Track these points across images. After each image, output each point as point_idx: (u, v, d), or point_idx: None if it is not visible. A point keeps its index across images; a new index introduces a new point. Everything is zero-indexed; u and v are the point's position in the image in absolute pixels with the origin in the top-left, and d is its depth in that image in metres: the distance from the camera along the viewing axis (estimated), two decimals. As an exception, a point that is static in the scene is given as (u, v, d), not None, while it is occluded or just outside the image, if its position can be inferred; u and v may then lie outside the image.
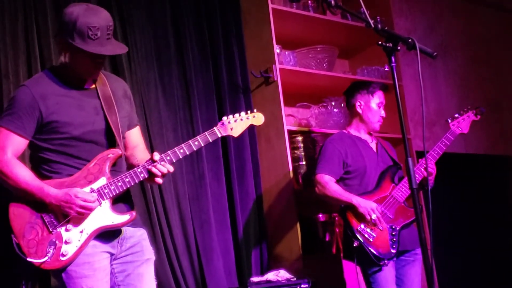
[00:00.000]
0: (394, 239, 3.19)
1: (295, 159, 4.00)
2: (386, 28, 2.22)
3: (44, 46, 3.35)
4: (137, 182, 2.34)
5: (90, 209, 2.25)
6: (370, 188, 3.32)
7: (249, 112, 2.55)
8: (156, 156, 2.34)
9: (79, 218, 2.25)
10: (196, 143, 2.40)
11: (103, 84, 2.44)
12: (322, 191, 3.32)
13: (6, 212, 2.27)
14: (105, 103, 2.39)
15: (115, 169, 2.38)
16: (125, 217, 2.33)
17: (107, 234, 2.32)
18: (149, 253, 2.44)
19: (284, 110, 3.95)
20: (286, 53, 4.20)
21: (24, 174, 2.27)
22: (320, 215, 3.93)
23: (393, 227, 3.22)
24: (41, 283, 3.01)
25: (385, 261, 3.13)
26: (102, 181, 2.31)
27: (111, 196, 2.30)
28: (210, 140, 2.43)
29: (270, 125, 3.88)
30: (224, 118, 2.50)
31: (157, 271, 3.40)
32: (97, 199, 2.28)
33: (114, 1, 3.71)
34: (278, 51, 4.05)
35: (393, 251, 3.16)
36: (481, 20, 5.72)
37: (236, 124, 2.50)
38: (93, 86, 2.42)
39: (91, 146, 2.34)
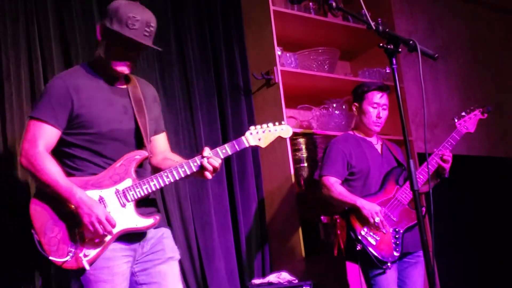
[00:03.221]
0: (398, 242, 3.18)
1: (297, 161, 3.99)
2: (387, 30, 2.22)
3: (45, 48, 3.35)
4: (158, 188, 2.31)
5: (104, 230, 2.19)
6: (373, 190, 3.31)
7: (277, 123, 2.55)
8: (206, 151, 2.33)
9: (91, 233, 2.19)
10: (224, 151, 2.40)
11: (134, 86, 2.45)
12: (328, 193, 3.32)
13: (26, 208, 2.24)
14: (135, 104, 2.39)
15: (140, 171, 2.36)
16: (149, 221, 2.31)
17: (129, 237, 2.30)
18: (172, 252, 2.41)
19: (286, 112, 3.94)
20: (287, 55, 4.20)
21: (54, 171, 2.22)
22: (322, 217, 3.92)
23: (397, 230, 3.21)
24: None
25: (388, 264, 3.12)
26: (127, 183, 2.29)
27: (136, 198, 2.28)
28: (238, 149, 2.43)
29: (271, 127, 3.87)
30: (252, 128, 2.50)
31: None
32: (119, 201, 2.25)
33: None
34: (279, 53, 4.05)
35: (396, 254, 3.16)
36: (482, 21, 5.72)
37: (264, 135, 2.50)
38: (125, 86, 2.43)
39: (118, 145, 2.33)
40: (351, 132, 3.52)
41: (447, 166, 3.27)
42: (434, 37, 5.30)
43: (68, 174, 2.26)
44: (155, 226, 2.35)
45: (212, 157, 2.34)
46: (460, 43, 5.52)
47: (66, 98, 2.28)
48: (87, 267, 2.18)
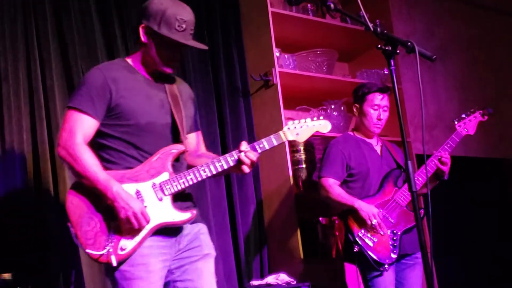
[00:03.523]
0: (395, 244, 3.17)
1: (295, 163, 3.99)
2: (385, 31, 2.22)
3: (44, 49, 3.35)
4: (195, 182, 2.29)
5: (139, 224, 2.16)
6: (372, 191, 3.31)
7: (315, 118, 2.54)
8: (244, 145, 2.33)
9: (125, 227, 2.18)
10: (261, 145, 2.38)
11: (170, 83, 2.45)
12: (326, 195, 3.31)
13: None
14: (171, 99, 2.39)
15: (177, 165, 2.34)
16: (186, 215, 2.29)
17: (166, 232, 2.27)
18: (208, 248, 2.40)
19: (284, 113, 3.95)
20: (286, 56, 4.20)
21: (92, 163, 2.20)
22: (320, 218, 3.92)
23: (395, 232, 3.20)
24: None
25: (386, 266, 3.12)
26: (164, 176, 2.27)
27: (172, 192, 2.26)
28: (275, 143, 2.41)
29: (269, 128, 3.88)
30: (290, 122, 2.49)
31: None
32: (155, 195, 2.24)
33: (114, 5, 3.71)
34: (277, 54, 4.05)
35: (393, 256, 3.15)
36: (480, 23, 5.72)
37: (302, 130, 2.49)
38: (162, 81, 2.42)
39: (154, 138, 2.31)
40: (351, 133, 3.52)
41: (445, 168, 3.26)
42: (433, 38, 5.30)
43: (104, 168, 2.24)
44: (192, 221, 2.33)
45: (250, 151, 2.32)
46: (458, 45, 5.53)
47: (105, 88, 2.27)
48: (114, 263, 2.15)
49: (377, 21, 4.52)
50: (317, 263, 3.86)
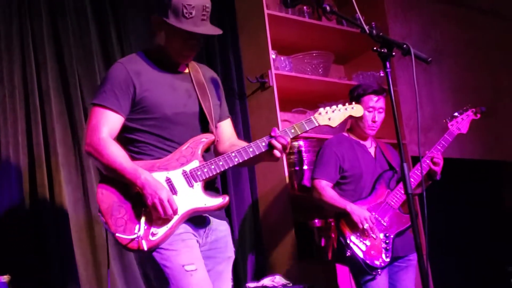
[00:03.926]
0: (388, 248, 3.15)
1: (291, 165, 3.99)
2: (381, 33, 2.22)
3: (39, 51, 3.35)
4: (226, 168, 2.26)
5: (165, 212, 2.12)
6: (364, 194, 3.29)
7: (347, 104, 2.52)
8: (275, 131, 2.30)
9: (153, 214, 2.14)
10: (293, 130, 2.35)
11: (196, 71, 2.41)
12: (318, 197, 3.30)
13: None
14: (198, 88, 2.35)
15: (207, 155, 2.31)
16: (218, 200, 2.26)
17: (196, 221, 2.25)
18: (231, 251, 2.39)
19: (280, 116, 3.95)
20: (282, 58, 4.21)
21: (118, 154, 2.18)
22: (316, 220, 3.92)
23: (387, 235, 3.18)
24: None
25: (379, 270, 3.10)
26: (194, 164, 2.25)
27: (203, 178, 2.24)
28: (307, 129, 2.39)
29: (265, 130, 3.86)
30: (321, 109, 2.46)
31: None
32: (186, 182, 2.20)
33: (110, 6, 3.71)
34: (273, 56, 4.05)
35: (386, 259, 3.13)
36: (476, 26, 5.74)
37: (334, 114, 2.46)
38: (187, 70, 2.39)
39: (183, 129, 2.29)
40: (345, 134, 3.50)
41: (437, 169, 3.24)
42: (428, 41, 5.32)
43: (134, 159, 2.22)
44: (218, 215, 2.31)
45: (281, 135, 2.29)
46: (454, 47, 5.54)
47: (128, 83, 2.24)
48: (145, 247, 2.11)
49: (373, 23, 4.52)
50: (313, 265, 3.86)
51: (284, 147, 2.30)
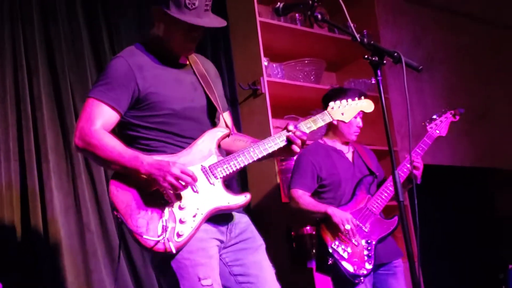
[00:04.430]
0: (370, 254, 3.11)
1: (283, 171, 3.99)
2: (372, 42, 2.23)
3: (31, 56, 3.33)
4: (246, 164, 2.17)
5: (186, 183, 2.01)
6: (344, 200, 3.25)
7: (356, 98, 2.48)
8: (291, 126, 2.23)
9: (191, 195, 2.04)
10: (309, 125, 2.30)
11: (195, 63, 2.32)
12: (296, 206, 3.26)
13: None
14: (202, 80, 2.27)
15: (219, 150, 2.22)
16: (241, 198, 2.17)
17: (218, 219, 2.14)
18: (260, 239, 2.29)
19: (272, 122, 3.95)
20: (274, 65, 4.22)
21: (114, 144, 2.05)
22: (308, 227, 3.92)
23: (369, 241, 3.14)
24: None
25: (361, 278, 3.06)
26: (212, 159, 2.15)
27: (224, 175, 2.14)
28: (322, 124, 2.33)
29: (257, 137, 3.86)
30: (331, 103, 2.41)
31: (143, 279, 3.40)
32: (206, 177, 2.10)
33: (102, 14, 3.71)
34: (266, 63, 4.07)
35: (369, 267, 3.09)
36: (467, 32, 5.77)
37: (346, 109, 2.41)
38: (187, 62, 2.29)
39: (193, 123, 2.19)
40: (321, 141, 3.44)
41: (418, 172, 3.18)
42: (419, 48, 5.34)
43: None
44: (239, 209, 2.22)
45: (301, 130, 2.24)
46: (445, 55, 5.57)
47: (129, 78, 2.11)
48: (173, 250, 1.99)
49: (365, 31, 4.55)
50: (306, 272, 3.85)
51: (303, 143, 2.24)
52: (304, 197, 3.25)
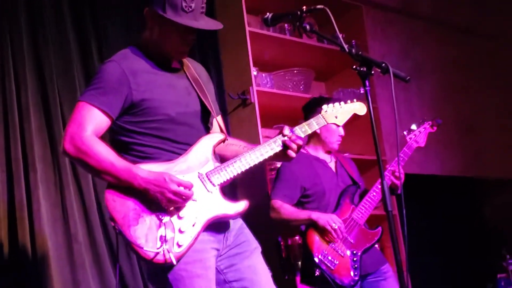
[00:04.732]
0: (356, 266, 3.10)
1: (272, 181, 3.99)
2: (360, 52, 2.25)
3: (19, 65, 3.30)
4: (243, 171, 2.14)
5: (185, 197, 1.99)
6: (329, 211, 3.24)
7: (349, 101, 2.47)
8: (286, 130, 2.22)
9: (189, 204, 2.01)
10: (303, 129, 2.30)
11: (187, 67, 2.28)
12: (277, 216, 3.24)
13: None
14: (196, 85, 2.23)
15: (215, 155, 2.19)
16: (240, 206, 2.14)
17: (215, 228, 2.11)
18: (255, 242, 2.26)
19: (261, 132, 3.95)
20: (263, 75, 4.23)
21: (107, 153, 1.99)
22: (297, 237, 3.91)
23: (355, 252, 3.14)
24: None
25: None
26: (209, 166, 2.11)
27: (221, 182, 2.11)
28: (317, 127, 2.33)
29: (247, 147, 3.88)
30: (324, 106, 2.40)
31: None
32: (203, 185, 2.07)
33: (90, 20, 3.70)
34: (255, 73, 4.07)
35: (355, 278, 3.08)
36: (454, 44, 5.83)
37: (339, 112, 2.41)
38: (180, 67, 2.26)
39: (188, 129, 2.16)
40: (303, 151, 3.42)
41: (398, 182, 3.16)
42: (407, 58, 5.38)
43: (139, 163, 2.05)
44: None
45: (297, 135, 2.22)
46: (432, 65, 5.61)
47: (122, 82, 2.06)
48: (174, 261, 1.96)
49: (353, 41, 4.58)
50: (296, 283, 3.84)
51: (299, 147, 2.22)
52: (284, 207, 3.23)
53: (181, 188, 2.00)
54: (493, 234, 5.61)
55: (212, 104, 2.28)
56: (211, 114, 2.26)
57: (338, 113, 2.41)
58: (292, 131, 2.25)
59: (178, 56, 2.24)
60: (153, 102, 2.11)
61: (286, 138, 2.21)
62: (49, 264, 3.10)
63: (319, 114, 2.38)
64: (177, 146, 2.13)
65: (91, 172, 2.10)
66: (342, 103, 2.45)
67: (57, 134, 3.33)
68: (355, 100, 2.51)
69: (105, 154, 2.01)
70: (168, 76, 2.20)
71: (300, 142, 2.22)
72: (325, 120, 2.37)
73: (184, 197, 2.00)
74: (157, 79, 2.16)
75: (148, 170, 2.01)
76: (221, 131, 2.29)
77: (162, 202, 2.00)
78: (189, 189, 2.02)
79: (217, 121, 2.33)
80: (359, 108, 2.49)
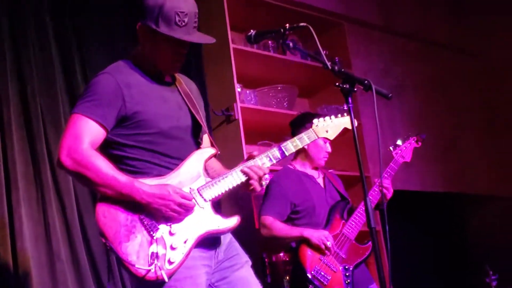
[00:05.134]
0: (348, 281, 3.10)
1: (258, 197, 3.98)
2: (343, 69, 2.27)
3: (2, 83, 3.27)
4: (235, 185, 2.14)
5: (189, 208, 2.01)
6: (320, 227, 3.24)
7: (339, 115, 2.48)
8: (255, 152, 2.21)
9: (181, 220, 2.01)
10: (295, 143, 2.29)
11: (179, 82, 2.29)
12: (269, 233, 3.23)
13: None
14: (187, 100, 2.23)
15: (207, 170, 2.18)
16: (232, 221, 2.13)
17: (207, 244, 2.10)
18: (245, 256, 2.26)
19: (245, 148, 3.96)
20: (247, 91, 4.25)
21: (107, 167, 1.98)
22: (282, 254, 3.90)
23: (347, 267, 3.15)
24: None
25: None
26: (200, 181, 2.11)
27: (212, 197, 2.11)
28: (308, 141, 2.33)
29: (231, 163, 3.86)
30: (315, 120, 2.42)
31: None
32: (195, 200, 2.06)
33: (74, 39, 3.69)
34: (239, 89, 4.09)
35: None
36: (436, 61, 5.89)
37: (330, 127, 2.42)
38: (172, 81, 2.26)
39: (179, 143, 2.15)
40: (291, 166, 3.43)
41: (388, 195, 3.20)
42: (390, 75, 5.42)
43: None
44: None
45: (257, 166, 2.18)
46: (414, 82, 5.66)
47: (117, 94, 2.06)
48: (166, 278, 1.95)
49: (336, 58, 4.62)
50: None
51: (260, 178, 2.19)
52: (275, 223, 3.23)
53: (185, 200, 2.02)
54: (476, 250, 5.64)
55: (205, 120, 2.30)
56: (202, 129, 2.27)
57: (328, 127, 2.43)
58: (279, 147, 2.25)
59: (170, 70, 2.25)
60: (145, 115, 2.11)
61: (245, 167, 2.18)
62: (31, 282, 3.06)
63: (310, 129, 2.39)
64: (168, 161, 2.13)
65: (89, 185, 2.08)
66: (332, 117, 2.47)
67: (39, 152, 3.30)
68: (345, 114, 2.52)
69: (106, 167, 1.99)
70: (161, 90, 2.20)
71: (261, 173, 2.19)
72: (316, 135, 2.38)
73: (187, 208, 2.02)
74: (150, 92, 2.16)
75: (149, 184, 2.02)
76: (212, 145, 2.29)
77: (166, 214, 2.01)
78: (190, 199, 2.04)
79: (209, 136, 2.35)
80: (348, 121, 2.50)
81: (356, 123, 2.48)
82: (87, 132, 2.02)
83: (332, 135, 2.45)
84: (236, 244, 2.28)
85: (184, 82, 2.33)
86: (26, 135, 3.33)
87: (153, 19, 2.10)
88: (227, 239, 2.25)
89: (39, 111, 3.37)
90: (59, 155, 2.02)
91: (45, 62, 3.51)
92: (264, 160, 2.22)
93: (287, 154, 2.29)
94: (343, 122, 2.48)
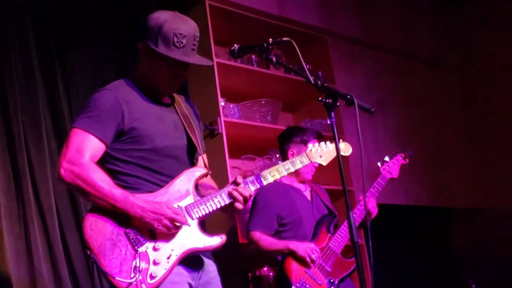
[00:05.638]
0: None
1: (250, 211, 3.97)
2: (325, 84, 2.28)
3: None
4: (223, 205, 2.17)
5: (181, 223, 2.06)
6: (306, 239, 3.25)
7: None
8: (239, 179, 2.23)
9: (166, 236, 2.04)
10: (287, 167, 2.34)
11: (178, 103, 2.34)
12: (257, 248, 3.25)
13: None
14: (184, 120, 2.28)
15: (197, 190, 2.22)
16: (217, 240, 2.16)
17: (191, 263, 2.15)
18: None
19: (229, 162, 3.95)
20: (231, 106, 4.25)
21: (105, 181, 2.04)
22: (266, 268, 3.89)
23: (332, 280, 3.16)
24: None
25: None
26: (189, 200, 2.14)
27: (199, 216, 2.13)
28: (301, 166, 2.37)
29: (215, 177, 3.84)
30: (310, 145, 2.46)
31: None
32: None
33: (56, 54, 3.67)
34: (223, 104, 4.09)
35: None
36: (419, 76, 5.94)
37: (324, 152, 2.45)
38: (170, 102, 2.32)
39: (172, 162, 2.20)
40: (277, 180, 3.47)
41: (373, 214, 3.23)
42: (373, 90, 5.46)
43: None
44: (209, 254, 2.23)
45: (240, 187, 2.22)
46: (397, 97, 5.69)
47: (116, 110, 2.13)
48: None
49: (319, 73, 4.64)
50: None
51: (244, 199, 2.22)
52: (262, 237, 3.24)
53: (176, 216, 2.06)
54: (459, 265, 5.66)
55: (201, 141, 2.34)
56: (197, 150, 2.31)
57: (322, 153, 2.47)
58: (259, 176, 2.29)
59: (168, 90, 2.31)
60: (141, 131, 2.16)
61: (231, 188, 2.22)
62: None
63: (304, 153, 2.42)
64: (161, 178, 2.18)
65: (86, 198, 2.11)
66: (328, 142, 2.49)
67: (21, 169, 3.27)
68: (341, 140, 2.55)
69: (102, 181, 2.05)
70: (158, 109, 2.26)
71: (246, 194, 2.23)
72: (309, 159, 2.42)
73: (179, 221, 2.06)
74: (148, 110, 2.22)
75: (144, 199, 2.06)
76: (205, 166, 2.33)
77: (159, 229, 2.04)
78: (183, 215, 2.09)
79: (203, 158, 2.38)
80: (344, 148, 2.56)
81: (350, 151, 2.52)
82: (88, 146, 2.08)
83: (325, 161, 2.48)
84: (217, 280, 2.31)
85: (183, 104, 2.39)
86: (8, 152, 3.30)
87: (153, 39, 2.17)
88: (212, 268, 2.28)
89: (20, 128, 3.34)
90: (59, 168, 2.08)
91: (27, 78, 3.48)
92: (250, 186, 2.27)
93: (278, 177, 2.34)
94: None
